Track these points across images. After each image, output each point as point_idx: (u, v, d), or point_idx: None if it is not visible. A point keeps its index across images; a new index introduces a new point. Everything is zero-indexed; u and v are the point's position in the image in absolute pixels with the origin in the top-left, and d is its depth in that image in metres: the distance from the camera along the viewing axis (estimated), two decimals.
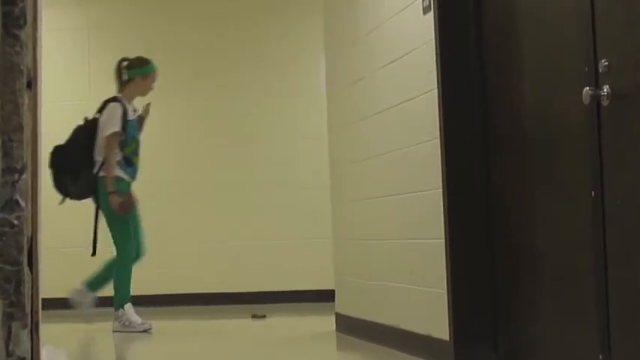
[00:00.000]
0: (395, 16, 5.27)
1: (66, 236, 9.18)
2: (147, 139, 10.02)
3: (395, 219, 5.36)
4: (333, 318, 6.58)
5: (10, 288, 2.16)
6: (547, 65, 4.00)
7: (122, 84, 7.25)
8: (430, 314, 4.82)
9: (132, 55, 7.41)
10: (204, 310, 8.59)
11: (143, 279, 9.40)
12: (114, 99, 7.18)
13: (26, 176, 2.21)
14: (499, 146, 4.47)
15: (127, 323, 7.02)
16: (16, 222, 2.17)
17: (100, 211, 7.12)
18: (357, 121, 6.02)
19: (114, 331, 7.05)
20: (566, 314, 3.89)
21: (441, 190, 4.64)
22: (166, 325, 7.74)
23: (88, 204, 9.58)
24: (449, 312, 4.59)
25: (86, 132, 7.14)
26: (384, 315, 5.54)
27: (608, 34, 3.49)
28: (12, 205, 2.18)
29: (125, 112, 7.11)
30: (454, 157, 4.60)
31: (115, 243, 7.09)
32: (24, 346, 2.17)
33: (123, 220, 7.06)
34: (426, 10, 4.79)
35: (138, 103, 7.32)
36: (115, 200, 6.98)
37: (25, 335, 2.17)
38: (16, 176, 2.19)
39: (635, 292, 3.37)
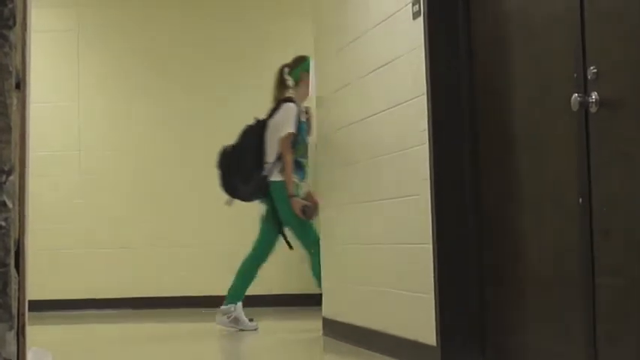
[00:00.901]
0: (385, 21, 5.28)
1: (58, 238, 9.16)
2: (142, 139, 9.99)
3: (382, 224, 5.36)
4: (321, 322, 6.57)
5: None
6: (536, 71, 4.00)
7: (288, 89, 7.09)
8: (417, 319, 4.82)
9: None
10: (192, 313, 8.58)
11: (133, 282, 9.38)
12: (289, 99, 7.03)
13: (14, 178, 2.20)
14: (487, 152, 4.48)
15: (231, 319, 6.97)
16: (3, 223, 2.16)
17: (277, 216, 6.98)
18: (345, 126, 6.02)
19: (216, 324, 6.99)
20: (553, 320, 3.89)
21: (428, 195, 4.64)
22: (155, 328, 7.73)
23: (74, 206, 9.54)
24: (436, 317, 4.59)
25: (257, 133, 6.99)
26: (371, 320, 5.53)
27: (596, 40, 3.49)
28: None
29: (299, 114, 7.00)
30: (442, 162, 4.60)
31: (303, 245, 6.96)
32: (10, 349, 2.16)
33: (303, 222, 6.90)
34: (415, 16, 4.79)
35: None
36: (298, 203, 6.84)
37: (11, 337, 2.16)
38: (4, 177, 2.18)
39: (622, 299, 3.37)
